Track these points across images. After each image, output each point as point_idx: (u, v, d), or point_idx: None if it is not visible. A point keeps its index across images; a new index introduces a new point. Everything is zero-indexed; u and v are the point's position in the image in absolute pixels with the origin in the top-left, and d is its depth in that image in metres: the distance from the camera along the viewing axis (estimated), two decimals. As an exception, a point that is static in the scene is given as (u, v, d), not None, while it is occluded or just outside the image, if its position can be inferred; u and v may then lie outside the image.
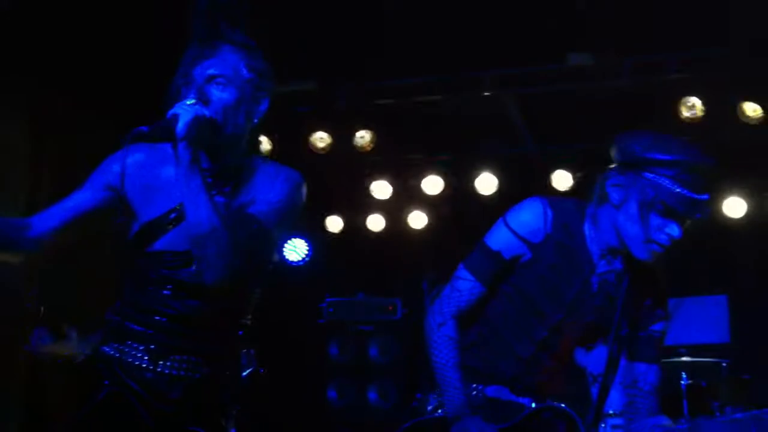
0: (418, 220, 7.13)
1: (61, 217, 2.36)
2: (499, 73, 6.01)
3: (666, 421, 2.53)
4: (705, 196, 2.44)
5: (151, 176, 2.37)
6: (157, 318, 2.31)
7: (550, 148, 6.63)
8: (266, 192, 2.34)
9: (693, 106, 5.68)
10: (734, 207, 6.29)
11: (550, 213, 2.57)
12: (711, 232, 6.43)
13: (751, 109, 5.65)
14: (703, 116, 5.70)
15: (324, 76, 6.04)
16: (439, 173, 6.83)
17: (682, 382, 5.36)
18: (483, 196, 6.68)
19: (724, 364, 5.57)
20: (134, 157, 2.36)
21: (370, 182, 6.91)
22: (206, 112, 2.25)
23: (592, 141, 6.35)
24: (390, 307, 6.94)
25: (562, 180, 6.52)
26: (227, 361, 2.39)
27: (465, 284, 2.61)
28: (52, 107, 5.29)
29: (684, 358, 5.50)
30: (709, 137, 6.07)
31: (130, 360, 2.32)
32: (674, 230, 2.46)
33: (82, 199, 2.39)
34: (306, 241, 7.27)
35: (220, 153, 2.34)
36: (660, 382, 2.64)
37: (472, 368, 2.60)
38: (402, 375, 6.86)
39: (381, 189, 6.95)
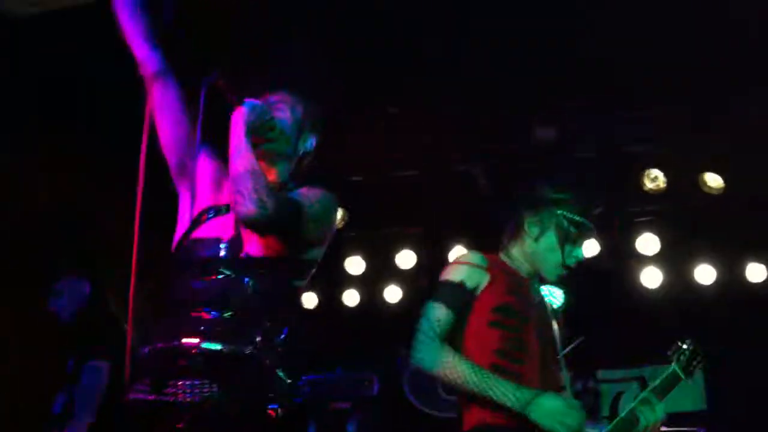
0: (392, 294, 7.15)
1: None
2: (468, 147, 6.12)
3: None
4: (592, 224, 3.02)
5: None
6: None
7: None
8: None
9: (656, 178, 5.81)
10: (704, 274, 6.39)
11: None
12: (682, 300, 6.52)
13: (713, 180, 5.79)
14: (666, 187, 5.83)
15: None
16: (412, 247, 6.88)
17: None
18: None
19: (700, 433, 5.56)
20: None
21: (344, 258, 6.94)
22: None
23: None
24: (366, 383, 6.89)
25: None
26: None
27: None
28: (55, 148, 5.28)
29: (662, 429, 5.47)
30: (673, 207, 6.22)
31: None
32: (580, 253, 2.97)
33: None
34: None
35: None
36: None
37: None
38: (380, 451, 6.79)
39: (355, 264, 6.99)
